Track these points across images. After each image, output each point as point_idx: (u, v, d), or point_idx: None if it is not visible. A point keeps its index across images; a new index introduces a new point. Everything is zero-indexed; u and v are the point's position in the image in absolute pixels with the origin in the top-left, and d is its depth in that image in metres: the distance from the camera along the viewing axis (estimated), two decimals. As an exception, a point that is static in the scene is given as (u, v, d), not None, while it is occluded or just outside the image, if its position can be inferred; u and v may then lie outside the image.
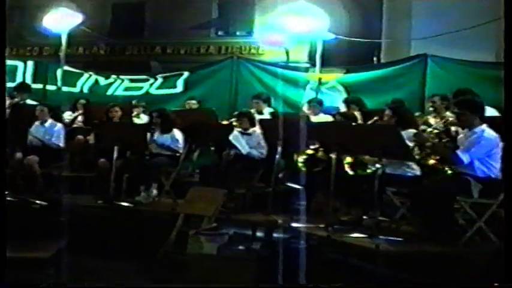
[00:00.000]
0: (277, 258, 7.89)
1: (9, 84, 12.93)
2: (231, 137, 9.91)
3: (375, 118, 9.48)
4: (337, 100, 12.80)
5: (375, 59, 19.32)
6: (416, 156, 7.67)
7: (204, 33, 24.96)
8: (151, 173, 10.18)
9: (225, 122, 11.05)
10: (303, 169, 8.84)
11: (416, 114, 10.49)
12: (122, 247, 8.82)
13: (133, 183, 10.16)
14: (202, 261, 8.11)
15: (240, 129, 10.22)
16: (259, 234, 9.21)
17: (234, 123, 10.45)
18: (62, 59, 14.38)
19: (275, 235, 8.96)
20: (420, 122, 9.65)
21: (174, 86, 14.54)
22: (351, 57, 18.11)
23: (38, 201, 9.58)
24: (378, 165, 7.62)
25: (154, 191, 10.09)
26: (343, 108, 11.49)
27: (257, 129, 10.21)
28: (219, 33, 25.22)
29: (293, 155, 9.50)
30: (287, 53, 14.28)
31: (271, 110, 12.12)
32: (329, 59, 15.22)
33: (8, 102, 11.76)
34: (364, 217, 8.19)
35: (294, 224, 8.46)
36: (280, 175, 9.99)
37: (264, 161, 10.00)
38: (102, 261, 8.59)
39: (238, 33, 24.76)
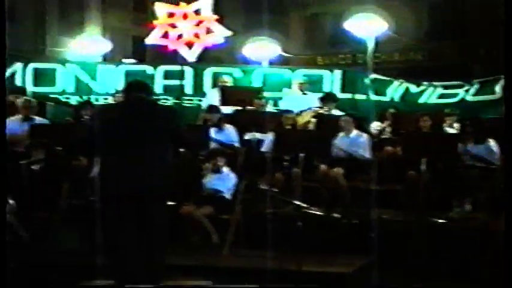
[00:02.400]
0: None
1: (316, 95, 13.70)
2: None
3: None
4: None
5: None
6: None
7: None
8: (465, 186, 10.21)
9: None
10: None
11: None
12: (432, 267, 8.99)
13: (445, 197, 10.25)
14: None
15: None
16: None
17: None
18: (369, 67, 14.90)
19: None
20: None
21: (493, 92, 14.31)
22: None
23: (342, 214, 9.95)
24: None
25: (468, 206, 10.07)
26: None
27: None
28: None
29: None
30: None
31: None
32: None
33: (312, 113, 12.49)
34: None
35: None
36: None
37: None
38: (406, 281, 8.84)
39: None
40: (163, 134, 7.09)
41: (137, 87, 7.53)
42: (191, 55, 16.33)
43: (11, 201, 9.25)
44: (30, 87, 14.61)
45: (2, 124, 7.37)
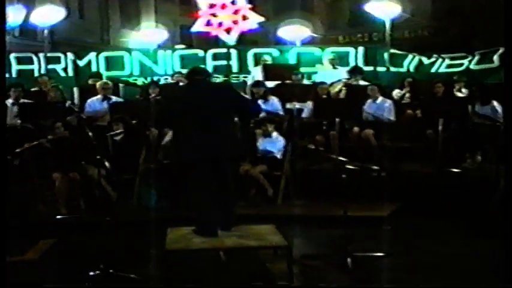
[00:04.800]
0: None
1: (344, 69, 13.71)
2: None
3: None
4: None
5: None
6: None
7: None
8: (475, 141, 10.25)
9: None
10: None
11: None
12: (448, 207, 9.05)
13: (459, 151, 10.29)
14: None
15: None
16: None
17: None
18: (387, 43, 14.98)
19: None
20: None
21: (492, 61, 14.18)
22: None
23: (374, 168, 9.98)
24: None
25: (479, 157, 10.10)
26: None
27: None
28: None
29: None
30: None
31: None
32: None
33: (342, 84, 12.56)
34: None
35: None
36: None
37: None
38: (432, 219, 8.96)
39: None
40: (226, 108, 7.21)
41: (199, 72, 7.68)
42: (230, 39, 16.47)
43: (107, 164, 9.36)
44: (103, 72, 14.75)
45: (2, 122, 7.16)
